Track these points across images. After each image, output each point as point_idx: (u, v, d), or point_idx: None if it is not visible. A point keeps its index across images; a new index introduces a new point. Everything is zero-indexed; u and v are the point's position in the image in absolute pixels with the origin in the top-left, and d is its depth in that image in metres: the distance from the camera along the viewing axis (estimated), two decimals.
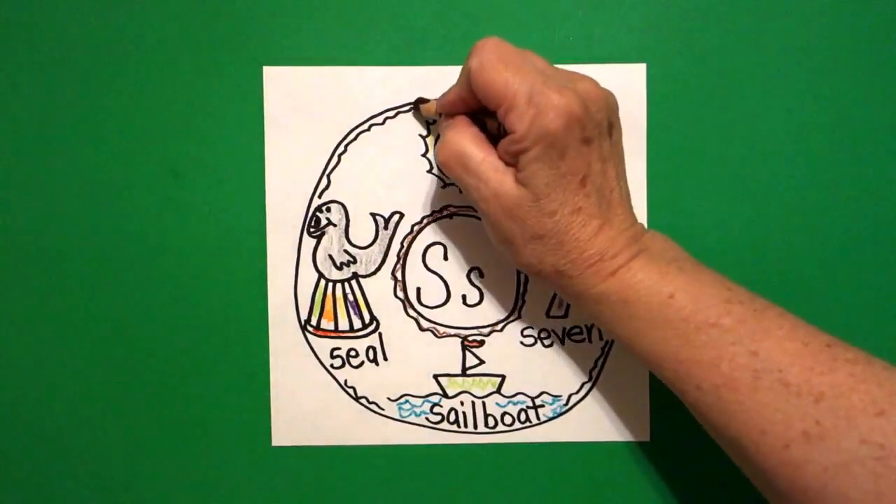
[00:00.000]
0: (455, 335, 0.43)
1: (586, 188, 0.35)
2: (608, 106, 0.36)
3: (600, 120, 0.36)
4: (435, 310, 0.43)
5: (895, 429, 0.31)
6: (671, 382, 0.36)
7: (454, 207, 0.43)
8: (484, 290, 0.43)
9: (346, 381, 0.43)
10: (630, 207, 0.38)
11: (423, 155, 0.43)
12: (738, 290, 0.35)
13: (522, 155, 0.35)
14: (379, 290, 0.43)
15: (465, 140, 0.37)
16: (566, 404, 0.43)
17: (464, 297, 0.43)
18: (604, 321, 0.37)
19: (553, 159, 0.35)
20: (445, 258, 0.43)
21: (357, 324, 0.43)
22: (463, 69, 0.37)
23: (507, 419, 0.43)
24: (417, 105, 0.42)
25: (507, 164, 0.36)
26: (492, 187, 0.36)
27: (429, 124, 0.42)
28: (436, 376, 0.43)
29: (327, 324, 0.43)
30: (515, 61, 0.35)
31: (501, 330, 0.43)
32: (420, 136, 0.43)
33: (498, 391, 0.43)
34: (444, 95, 0.39)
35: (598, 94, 0.36)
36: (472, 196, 0.37)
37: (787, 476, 0.32)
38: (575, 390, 0.43)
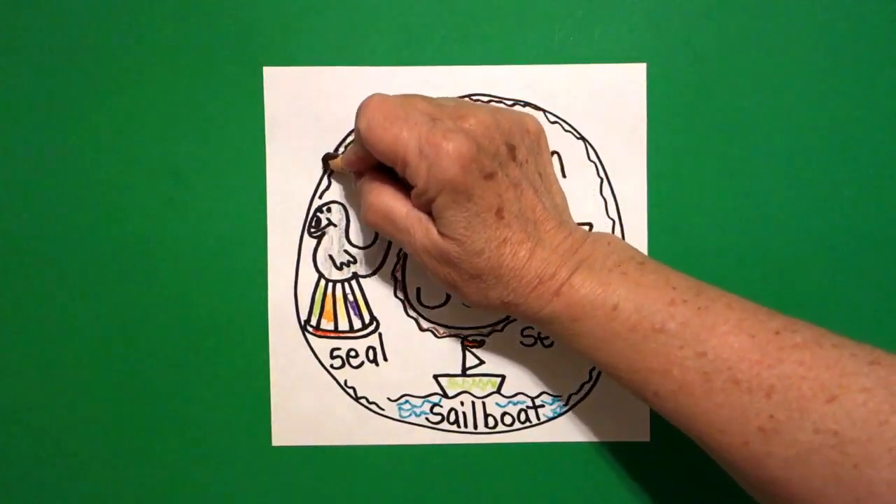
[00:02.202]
0: (455, 335, 0.43)
1: (504, 219, 0.35)
2: (502, 131, 0.36)
3: (496, 150, 0.36)
4: (435, 310, 0.43)
5: (847, 413, 0.31)
6: (632, 391, 0.36)
7: None
8: None
9: (346, 382, 0.43)
10: (563, 217, 0.38)
11: None
12: (682, 288, 0.35)
13: (432, 205, 0.35)
14: (379, 291, 0.43)
15: (386, 197, 0.37)
16: (566, 404, 0.43)
17: None
18: (560, 339, 0.37)
19: (462, 203, 0.35)
20: None
21: (357, 324, 0.43)
22: (355, 132, 0.37)
23: (507, 419, 0.43)
24: (325, 160, 0.42)
25: (425, 212, 0.36)
26: (419, 240, 0.37)
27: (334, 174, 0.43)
28: (436, 376, 0.43)
29: (327, 324, 0.43)
30: (400, 114, 0.35)
31: (501, 330, 0.43)
32: None
33: (498, 391, 0.43)
34: (346, 154, 0.40)
35: (487, 123, 0.36)
36: (406, 249, 0.38)
37: (751, 470, 0.33)
38: (575, 390, 0.43)
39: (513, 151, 0.36)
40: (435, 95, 0.42)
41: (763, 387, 0.32)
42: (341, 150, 0.42)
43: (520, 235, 0.36)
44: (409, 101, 0.36)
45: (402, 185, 0.37)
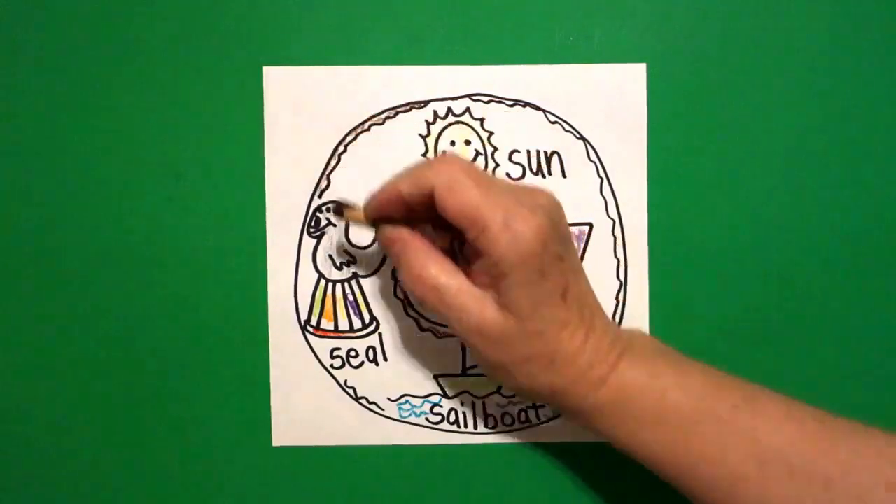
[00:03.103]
0: (455, 335, 0.43)
1: (567, 302, 0.35)
2: (565, 221, 0.36)
3: (566, 233, 0.36)
4: None
5: None
6: (675, 480, 0.35)
7: None
8: None
9: (346, 382, 0.43)
10: (602, 309, 0.38)
11: (423, 155, 0.43)
12: (726, 378, 0.35)
13: (503, 280, 0.34)
14: (379, 291, 0.43)
15: (434, 269, 0.35)
16: None
17: None
18: (602, 429, 0.36)
19: (535, 280, 0.34)
20: None
21: (357, 324, 0.43)
22: (415, 171, 0.35)
23: (507, 419, 0.43)
24: (339, 210, 0.39)
25: (483, 287, 0.35)
26: (474, 318, 0.35)
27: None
28: (436, 376, 0.43)
29: (327, 324, 0.43)
30: (484, 181, 0.34)
31: None
32: (420, 135, 0.43)
33: (498, 391, 0.43)
34: (377, 193, 0.37)
35: (557, 206, 0.36)
36: (453, 327, 0.36)
37: None
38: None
39: (569, 239, 0.36)
40: (435, 97, 0.42)
41: (820, 476, 0.32)
42: (348, 147, 0.42)
43: (578, 320, 0.35)
44: (483, 172, 0.36)
45: (443, 251, 0.37)
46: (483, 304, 0.35)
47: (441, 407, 0.43)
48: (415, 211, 0.36)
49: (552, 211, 0.35)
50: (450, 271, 0.35)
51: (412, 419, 0.43)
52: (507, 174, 0.42)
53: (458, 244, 0.36)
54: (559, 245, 0.35)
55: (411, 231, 0.37)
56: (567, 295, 0.35)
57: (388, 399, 0.43)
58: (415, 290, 0.36)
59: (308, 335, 0.43)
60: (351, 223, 0.40)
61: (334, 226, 0.43)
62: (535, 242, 0.33)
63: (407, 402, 0.43)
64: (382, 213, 0.37)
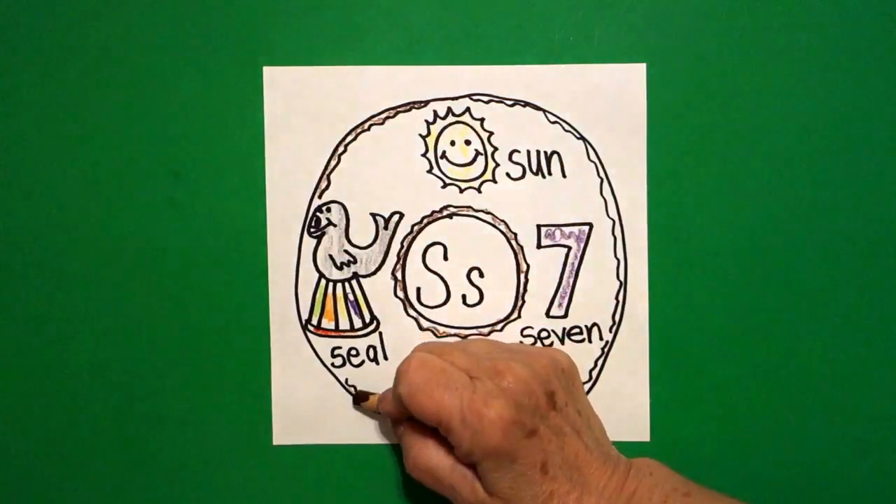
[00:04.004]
0: (455, 335, 0.43)
1: (549, 473, 0.35)
2: (540, 380, 0.36)
3: (536, 404, 0.36)
4: (435, 310, 0.43)
5: None
6: None
7: (454, 207, 0.43)
8: (484, 290, 0.43)
9: (346, 381, 0.43)
10: (604, 450, 0.38)
11: (423, 155, 0.43)
12: None
13: (477, 467, 0.36)
14: (379, 290, 0.43)
15: (430, 453, 0.38)
16: None
17: (464, 297, 0.43)
18: None
19: (506, 465, 0.35)
20: (445, 258, 0.43)
21: (357, 323, 0.43)
22: (393, 391, 0.38)
23: None
24: (358, 400, 0.42)
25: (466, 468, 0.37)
26: (465, 497, 0.37)
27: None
28: None
29: (328, 323, 0.43)
30: (441, 380, 0.36)
31: (501, 330, 0.43)
32: (420, 135, 0.43)
33: None
34: (381, 403, 0.41)
35: (525, 378, 0.36)
36: (453, 501, 0.38)
37: None
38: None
39: (552, 399, 0.37)
40: (435, 97, 0.42)
41: None
42: (348, 147, 0.42)
43: (566, 486, 0.36)
44: (450, 360, 0.37)
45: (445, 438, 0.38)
46: (473, 483, 0.36)
47: None
48: (405, 413, 0.38)
49: (515, 389, 0.36)
50: (444, 454, 0.37)
51: None
52: (508, 174, 0.43)
53: None
54: (529, 422, 0.35)
55: (417, 422, 0.38)
56: (547, 466, 0.36)
57: None
58: (413, 472, 0.39)
59: (309, 334, 0.43)
60: (365, 408, 0.43)
61: (334, 225, 0.43)
62: (493, 435, 0.35)
63: None
64: (387, 414, 0.40)
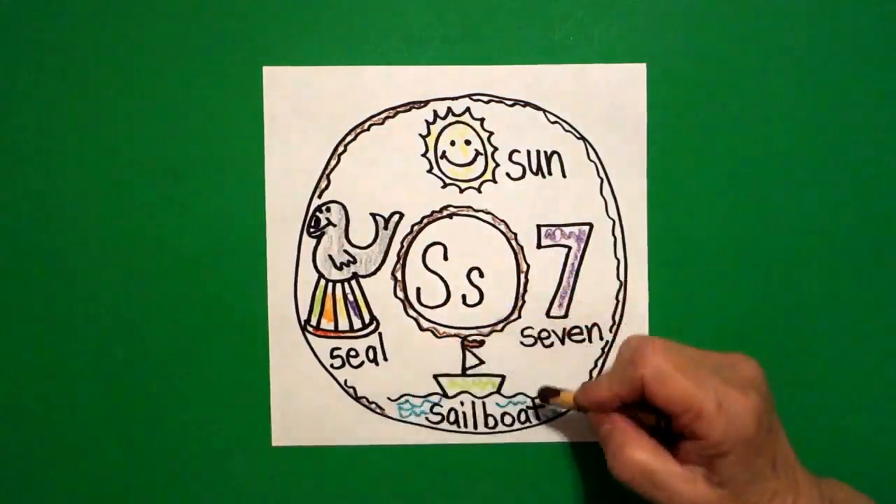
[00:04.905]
0: (455, 335, 0.43)
1: (776, 470, 0.36)
2: (766, 379, 0.36)
3: (770, 399, 0.36)
4: (435, 310, 0.43)
5: None
6: None
7: (454, 207, 0.43)
8: (484, 290, 0.43)
9: (346, 381, 0.43)
10: (800, 463, 0.38)
11: (423, 155, 0.43)
12: None
13: (718, 460, 0.35)
14: (379, 290, 0.43)
15: (644, 454, 0.36)
16: None
17: (464, 297, 0.43)
18: None
19: (751, 458, 0.35)
20: (445, 258, 0.43)
21: (357, 324, 0.43)
22: (621, 370, 0.37)
23: (507, 419, 0.43)
24: (546, 396, 0.41)
25: (695, 465, 0.36)
26: (686, 497, 0.35)
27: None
28: (436, 376, 0.43)
29: (327, 324, 0.43)
30: (689, 365, 0.35)
31: (501, 330, 0.43)
32: (420, 135, 0.43)
33: (498, 391, 0.43)
34: (590, 392, 0.39)
35: (760, 374, 0.36)
36: (659, 500, 0.36)
37: None
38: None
39: (771, 399, 0.37)
40: (435, 97, 0.42)
41: None
42: (348, 147, 0.42)
43: (786, 486, 0.36)
44: (684, 349, 0.36)
45: (651, 434, 0.37)
46: (694, 483, 0.35)
47: (441, 407, 0.43)
48: (624, 400, 0.37)
49: (760, 383, 0.36)
50: (659, 455, 0.36)
51: (412, 419, 0.43)
52: (508, 174, 0.43)
53: (665, 421, 0.37)
54: (770, 416, 0.36)
55: (620, 413, 0.38)
56: (776, 464, 0.36)
57: (388, 399, 0.43)
58: (622, 472, 0.37)
59: (308, 335, 0.43)
60: (556, 405, 0.42)
61: (334, 226, 0.43)
62: (751, 424, 0.34)
63: (407, 401, 0.43)
64: (594, 404, 0.39)
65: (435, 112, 0.43)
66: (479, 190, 0.43)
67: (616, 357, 0.38)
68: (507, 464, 0.43)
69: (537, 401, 0.43)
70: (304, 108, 0.42)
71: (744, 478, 0.35)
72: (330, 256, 0.43)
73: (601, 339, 0.43)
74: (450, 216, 0.43)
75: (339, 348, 0.43)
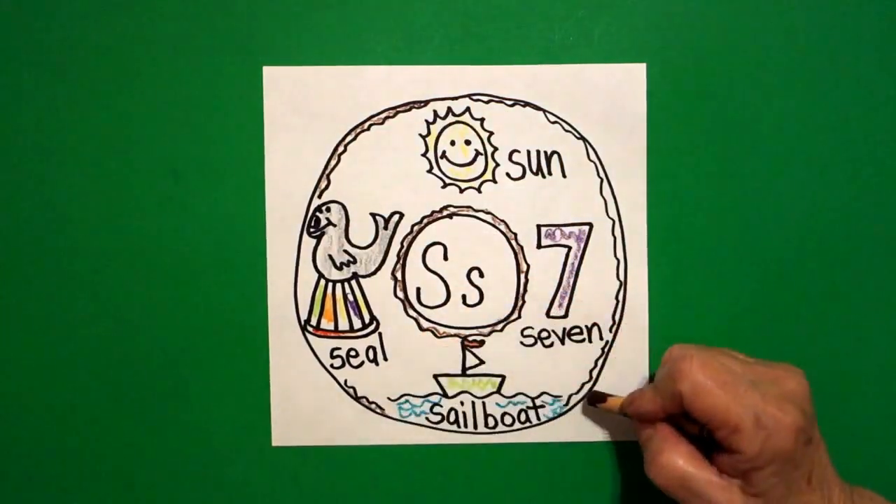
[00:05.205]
0: (455, 335, 0.43)
1: (812, 483, 0.36)
2: (809, 390, 0.37)
3: (812, 413, 0.36)
4: (435, 310, 0.43)
5: None
6: None
7: (454, 207, 0.43)
8: (484, 290, 0.43)
9: (346, 381, 0.43)
10: (836, 474, 0.38)
11: (423, 155, 0.43)
12: None
13: (754, 472, 0.35)
14: (379, 290, 0.43)
15: (681, 460, 0.37)
16: (566, 404, 0.43)
17: (464, 297, 0.43)
18: None
19: (788, 471, 0.35)
20: (445, 258, 0.43)
21: (357, 324, 0.43)
22: (662, 384, 0.37)
23: (507, 419, 0.43)
24: (594, 401, 0.42)
25: (731, 476, 0.36)
26: (717, 502, 0.36)
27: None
28: (436, 376, 0.43)
29: (327, 324, 0.43)
30: (727, 379, 0.35)
31: (501, 330, 0.43)
32: (420, 135, 0.43)
33: (498, 391, 0.43)
34: (637, 404, 0.39)
35: (803, 388, 0.36)
36: None
37: None
38: (575, 390, 0.43)
39: (813, 410, 0.37)
40: (435, 97, 0.42)
41: None
42: (348, 147, 0.42)
43: (820, 499, 0.36)
44: (725, 362, 0.36)
45: (693, 442, 0.37)
46: (730, 493, 0.36)
47: (441, 407, 0.43)
48: (668, 412, 0.38)
49: (800, 398, 0.36)
50: (697, 462, 0.37)
51: (412, 419, 0.43)
52: (508, 174, 0.43)
53: (707, 431, 0.37)
54: (810, 430, 0.36)
55: (662, 420, 0.38)
56: (812, 477, 0.36)
57: (388, 399, 0.43)
58: (658, 477, 0.37)
59: (308, 335, 0.43)
60: (603, 410, 0.42)
61: (334, 225, 0.43)
62: (789, 439, 0.35)
63: (407, 401, 0.43)
64: (640, 415, 0.39)
65: (435, 112, 0.43)
66: (479, 190, 0.43)
67: (659, 368, 0.39)
68: (507, 464, 0.43)
69: (585, 402, 0.43)
70: (304, 108, 0.42)
71: (779, 491, 0.35)
72: (330, 256, 0.43)
73: (601, 339, 0.43)
74: (450, 216, 0.43)
75: (339, 348, 0.43)
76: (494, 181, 0.43)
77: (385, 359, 0.43)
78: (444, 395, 0.43)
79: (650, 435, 0.38)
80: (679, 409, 0.37)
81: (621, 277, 0.43)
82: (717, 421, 0.35)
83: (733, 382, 0.35)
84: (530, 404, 0.43)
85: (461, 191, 0.43)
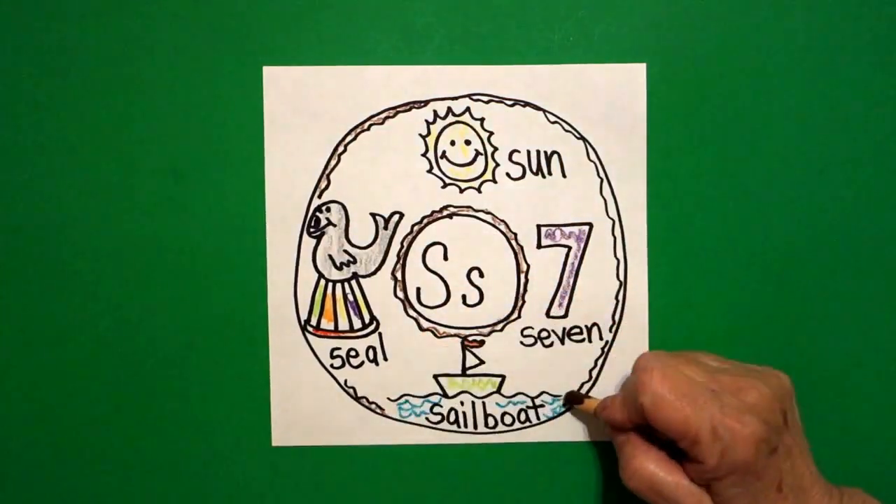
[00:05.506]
0: (455, 335, 0.43)
1: (783, 492, 0.36)
2: (777, 398, 0.36)
3: (776, 422, 0.36)
4: (435, 310, 0.43)
5: None
6: None
7: (454, 207, 0.43)
8: (484, 290, 0.43)
9: (346, 381, 0.43)
10: (820, 477, 0.38)
11: (423, 155, 0.43)
12: None
13: (716, 482, 0.35)
14: (379, 290, 0.43)
15: (652, 465, 0.37)
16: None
17: (464, 297, 0.43)
18: None
19: (750, 482, 0.35)
20: (445, 258, 0.43)
21: (357, 324, 0.43)
22: (628, 397, 0.38)
23: (507, 419, 0.43)
24: (571, 401, 0.42)
25: (699, 484, 0.36)
26: None
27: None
28: (436, 376, 0.43)
29: (327, 324, 0.43)
30: (686, 391, 0.36)
31: (501, 330, 0.43)
32: (420, 135, 0.43)
33: (498, 391, 0.43)
34: (608, 411, 0.40)
35: (768, 396, 0.36)
36: None
37: None
38: (575, 390, 0.43)
39: (785, 417, 0.37)
40: (435, 97, 0.42)
41: None
42: (348, 147, 0.42)
43: None
44: (688, 372, 0.37)
45: (667, 449, 0.38)
46: (700, 498, 0.36)
47: (441, 407, 0.43)
48: (635, 422, 0.38)
49: (763, 408, 0.36)
50: (668, 467, 0.37)
51: (412, 419, 0.43)
52: (508, 174, 0.43)
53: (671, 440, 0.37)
54: (772, 440, 0.35)
55: (640, 431, 0.38)
56: (782, 485, 0.36)
57: (388, 399, 0.43)
58: (630, 481, 0.38)
59: (308, 335, 0.43)
60: (579, 411, 0.43)
61: (334, 225, 0.43)
62: (748, 451, 0.35)
63: (407, 401, 0.43)
64: (611, 423, 0.40)
65: (435, 112, 0.43)
66: (479, 190, 0.43)
67: (628, 377, 0.39)
68: (507, 464, 0.43)
69: (561, 402, 0.43)
70: (304, 108, 0.42)
71: (745, 500, 0.35)
72: (330, 256, 0.43)
73: (601, 339, 0.43)
74: (450, 216, 0.43)
75: (339, 348, 0.43)
76: (494, 181, 0.43)
77: (385, 359, 0.43)
78: (444, 395, 0.43)
79: (624, 441, 0.39)
80: (643, 420, 0.37)
81: (621, 277, 0.43)
82: (677, 433, 0.35)
83: (692, 394, 0.36)
84: (530, 404, 0.43)
85: (461, 191, 0.43)
